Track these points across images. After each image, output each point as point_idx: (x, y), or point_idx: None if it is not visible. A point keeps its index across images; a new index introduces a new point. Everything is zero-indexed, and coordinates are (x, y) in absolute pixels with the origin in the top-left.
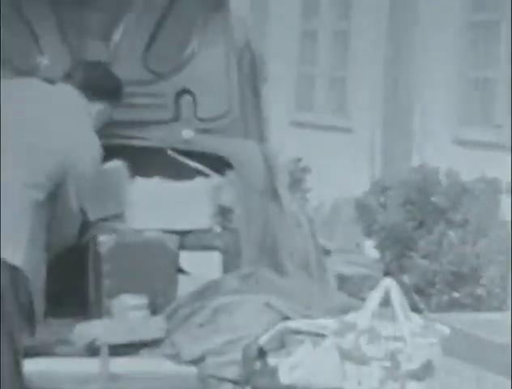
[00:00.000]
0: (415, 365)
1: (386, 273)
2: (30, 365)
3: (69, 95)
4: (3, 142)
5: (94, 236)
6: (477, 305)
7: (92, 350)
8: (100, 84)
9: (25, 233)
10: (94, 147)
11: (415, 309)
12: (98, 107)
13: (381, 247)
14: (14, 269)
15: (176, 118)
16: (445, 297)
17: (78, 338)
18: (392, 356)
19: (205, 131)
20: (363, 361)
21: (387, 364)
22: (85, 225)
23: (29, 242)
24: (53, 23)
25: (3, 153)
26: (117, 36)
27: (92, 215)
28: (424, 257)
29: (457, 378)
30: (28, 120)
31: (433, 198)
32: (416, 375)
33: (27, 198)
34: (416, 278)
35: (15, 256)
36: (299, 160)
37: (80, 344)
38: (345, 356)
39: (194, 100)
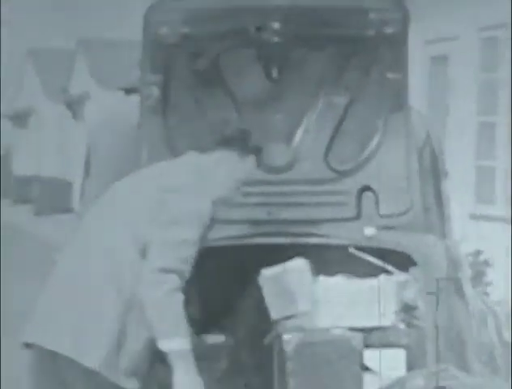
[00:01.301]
0: None
1: None
2: None
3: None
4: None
5: (279, 334)
6: None
7: None
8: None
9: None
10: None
11: None
12: (252, 159)
13: None
14: None
15: (358, 216)
16: None
17: None
18: None
19: (387, 228)
20: None
21: None
22: (269, 324)
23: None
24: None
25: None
26: (298, 136)
27: (276, 314)
28: None
29: None
30: None
31: None
32: None
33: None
34: None
35: None
36: (480, 252)
37: None
38: None
39: (376, 197)
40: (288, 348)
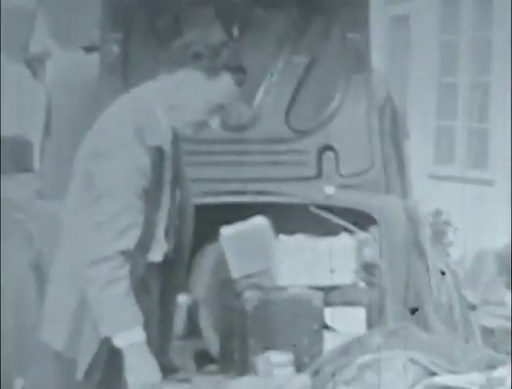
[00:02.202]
0: None
1: None
2: None
3: None
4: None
5: (239, 293)
6: None
7: None
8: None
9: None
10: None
11: None
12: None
13: None
14: None
15: (318, 175)
16: None
17: None
18: None
19: (347, 187)
20: None
21: None
22: (229, 283)
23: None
24: None
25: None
26: (259, 95)
27: (236, 273)
28: None
29: None
30: None
31: None
32: None
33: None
34: None
35: None
36: (440, 213)
37: None
38: None
39: (336, 156)
40: (249, 307)
